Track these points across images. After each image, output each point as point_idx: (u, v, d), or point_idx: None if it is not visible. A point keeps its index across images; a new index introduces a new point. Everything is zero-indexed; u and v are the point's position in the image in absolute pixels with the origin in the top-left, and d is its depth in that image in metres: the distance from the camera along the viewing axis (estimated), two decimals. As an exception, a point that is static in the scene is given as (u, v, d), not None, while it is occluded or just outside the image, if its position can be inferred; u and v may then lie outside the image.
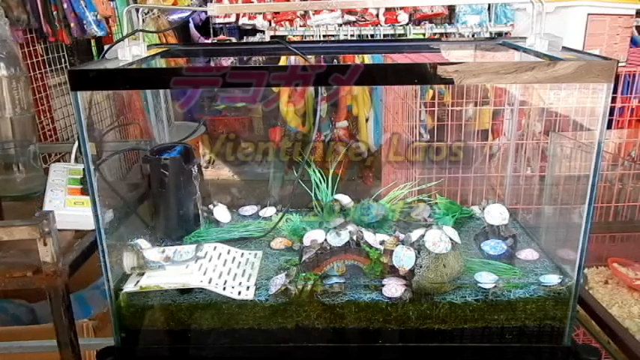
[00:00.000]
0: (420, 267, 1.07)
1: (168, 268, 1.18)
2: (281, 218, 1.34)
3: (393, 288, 1.09)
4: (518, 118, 1.86)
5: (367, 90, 3.45)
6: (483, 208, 1.47)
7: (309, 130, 3.04)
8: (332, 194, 1.33)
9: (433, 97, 2.08)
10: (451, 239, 1.09)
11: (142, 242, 1.20)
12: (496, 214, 1.30)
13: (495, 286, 1.09)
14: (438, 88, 1.83)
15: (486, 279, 1.13)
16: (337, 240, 1.12)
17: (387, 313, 1.09)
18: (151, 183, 1.52)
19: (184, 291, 1.13)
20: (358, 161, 2.78)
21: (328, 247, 1.12)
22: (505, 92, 1.71)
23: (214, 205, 1.65)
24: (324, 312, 1.09)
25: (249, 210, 1.74)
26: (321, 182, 1.34)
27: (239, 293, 1.12)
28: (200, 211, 1.43)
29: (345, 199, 1.36)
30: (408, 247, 1.08)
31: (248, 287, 1.14)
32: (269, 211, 1.68)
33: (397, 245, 1.09)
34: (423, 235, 1.11)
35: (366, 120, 3.44)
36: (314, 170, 1.33)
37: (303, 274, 1.11)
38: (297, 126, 3.14)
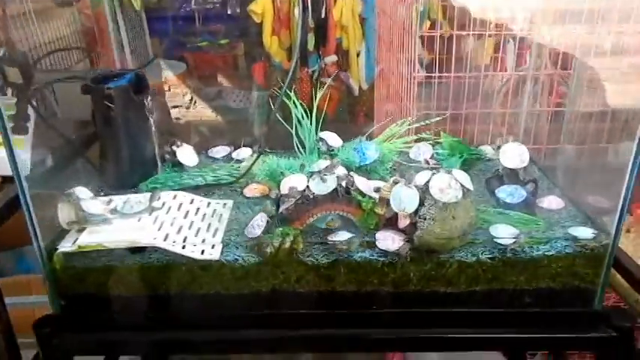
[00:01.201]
0: (424, 219, 0.95)
1: (115, 223, 1.05)
2: (256, 159, 1.19)
3: (389, 239, 0.97)
4: (521, 51, 1.74)
5: (358, 21, 3.14)
6: (498, 148, 1.24)
7: (296, 64, 2.74)
8: (316, 132, 1.20)
9: (431, 27, 1.87)
10: (462, 185, 0.95)
11: (82, 191, 1.04)
12: (514, 155, 1.14)
13: (515, 242, 0.97)
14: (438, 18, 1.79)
15: (504, 233, 1.01)
16: (322, 187, 0.99)
17: (383, 273, 1.00)
18: (94, 119, 1.26)
19: (135, 250, 1.01)
20: (347, 99, 2.53)
21: (311, 196, 0.99)
22: (507, 24, 1.66)
23: (178, 146, 1.43)
24: (307, 274, 1.00)
25: (220, 151, 1.54)
26: (303, 117, 1.20)
27: (202, 252, 1.00)
28: (158, 153, 1.36)
29: (332, 138, 1.22)
30: (409, 186, 0.95)
31: (213, 245, 1.01)
32: (243, 152, 1.50)
33: (396, 184, 0.95)
34: (428, 180, 0.97)
35: (357, 54, 3.16)
36: (294, 103, 1.17)
37: (281, 229, 0.99)
38: (282, 60, 2.84)
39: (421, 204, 0.94)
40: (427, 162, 1.42)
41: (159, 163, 1.38)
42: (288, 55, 3.18)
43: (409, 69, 1.79)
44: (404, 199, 0.95)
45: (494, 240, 0.99)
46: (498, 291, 0.99)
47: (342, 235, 0.98)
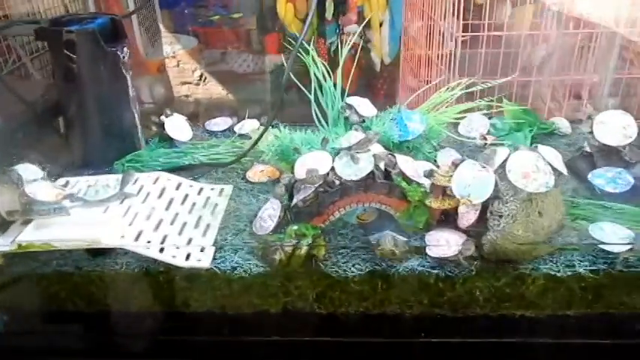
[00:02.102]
0: (499, 216, 0.80)
1: (73, 213, 0.86)
2: (263, 133, 1.01)
3: (445, 243, 0.83)
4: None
5: (382, -14, 2.90)
6: (588, 118, 0.98)
7: (312, 34, 2.51)
8: (342, 98, 1.04)
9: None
10: (553, 168, 0.80)
11: (27, 169, 0.88)
12: (615, 128, 0.97)
13: (632, 248, 0.80)
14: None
15: (613, 235, 0.84)
16: (353, 169, 0.84)
17: (437, 291, 0.84)
18: (54, 74, 1.01)
19: (96, 253, 0.84)
20: (367, 74, 2.30)
21: (337, 182, 0.85)
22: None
23: (167, 115, 1.20)
24: (331, 290, 0.84)
25: (220, 124, 1.30)
26: (325, 79, 1.04)
27: (187, 257, 0.84)
28: (141, 123, 1.14)
29: (363, 105, 1.04)
30: (480, 165, 0.81)
31: (203, 248, 0.86)
32: (249, 125, 1.26)
33: (460, 164, 0.82)
34: (504, 161, 0.81)
35: (380, 24, 2.92)
36: (313, 60, 1.03)
37: (295, 228, 0.84)
38: (298, 31, 2.57)
39: (494, 195, 0.80)
40: (484, 138, 1.15)
41: (141, 136, 1.15)
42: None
43: (449, 30, 1.53)
44: (472, 183, 0.80)
45: (597, 245, 0.83)
46: (601, 316, 0.84)
47: (382, 237, 0.83)
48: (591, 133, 0.98)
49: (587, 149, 1.03)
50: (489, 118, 1.21)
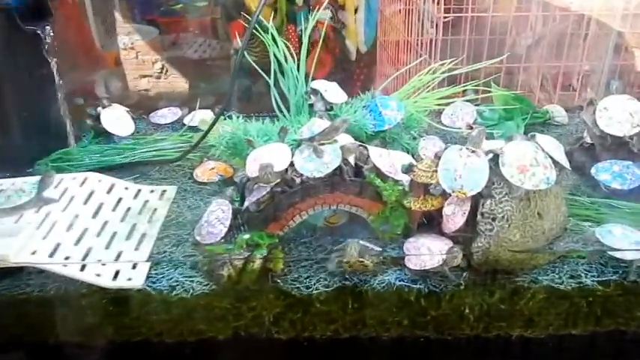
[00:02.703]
0: (491, 218, 0.74)
1: None
2: (213, 124, 0.96)
3: (427, 251, 0.77)
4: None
5: (357, -29, 2.89)
6: (590, 104, 0.90)
7: (282, 22, 2.48)
8: (307, 82, 0.99)
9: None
10: (553, 162, 0.75)
11: None
12: (621, 115, 0.88)
13: None
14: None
15: (624, 239, 0.76)
16: (316, 164, 0.78)
17: (419, 309, 0.77)
18: None
19: (4, 273, 0.75)
20: (341, 64, 2.25)
21: (297, 180, 0.79)
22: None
23: (104, 106, 1.11)
24: (291, 311, 0.77)
25: (167, 115, 1.21)
26: (286, 58, 0.98)
27: (115, 276, 0.76)
28: (70, 115, 1.03)
29: (331, 90, 0.99)
30: (469, 150, 0.75)
31: (135, 264, 0.77)
32: (199, 115, 1.17)
33: (445, 150, 0.77)
34: (496, 154, 0.74)
35: (355, 10, 2.90)
36: (273, 39, 0.98)
37: (246, 237, 0.77)
38: (266, 19, 2.53)
39: (486, 194, 0.74)
40: (470, 128, 1.04)
41: (70, 131, 1.04)
42: (272, 11, 2.94)
43: (429, 14, 1.48)
44: (464, 172, 0.74)
45: (606, 251, 0.77)
46: (611, 335, 0.78)
47: (350, 247, 0.77)
48: (594, 121, 0.88)
49: (588, 140, 0.95)
50: (476, 106, 1.16)
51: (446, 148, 0.76)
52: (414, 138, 1.04)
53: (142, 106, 1.31)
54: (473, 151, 0.74)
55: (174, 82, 2.62)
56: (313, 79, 1.00)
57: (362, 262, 0.73)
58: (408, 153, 0.96)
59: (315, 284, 0.75)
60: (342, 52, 2.40)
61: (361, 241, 0.75)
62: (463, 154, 0.74)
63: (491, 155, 0.73)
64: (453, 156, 0.74)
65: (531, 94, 1.45)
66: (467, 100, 1.15)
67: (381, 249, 0.77)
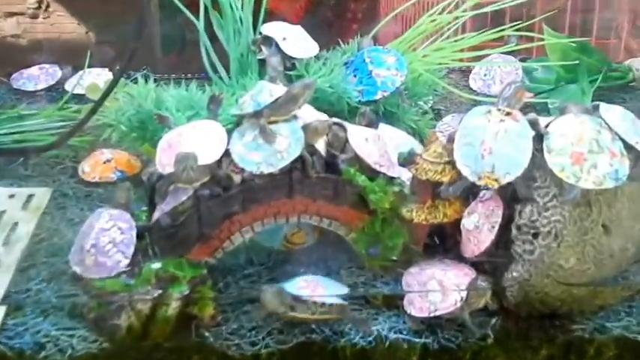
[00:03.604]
0: (532, 234, 0.81)
1: None
2: (110, 90, 1.03)
3: (435, 285, 0.84)
4: None
5: None
6: None
7: None
8: (255, 26, 1.08)
9: None
10: (627, 147, 0.82)
11: None
12: None
13: None
14: None
15: None
16: (265, 154, 0.86)
17: None
18: None
19: None
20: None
21: (237, 178, 0.86)
22: None
23: None
24: None
25: (38, 77, 1.29)
26: None
27: None
28: None
29: (292, 38, 1.06)
30: (501, 111, 0.83)
31: None
32: (90, 78, 1.25)
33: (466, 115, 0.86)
34: (540, 133, 0.82)
35: None
36: None
37: (156, 267, 0.83)
38: None
39: (524, 196, 0.81)
40: (513, 91, 1.15)
41: None
42: None
43: None
44: (495, 146, 0.80)
45: None
46: None
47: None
48: None
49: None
50: (522, 61, 1.23)
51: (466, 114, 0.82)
52: (425, 113, 1.10)
53: (4, 63, 1.36)
54: (508, 114, 0.79)
55: (59, 25, 2.67)
56: (275, 20, 1.07)
57: (293, 316, 0.79)
58: (413, 136, 1.03)
59: (264, 339, 0.80)
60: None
61: (280, 286, 0.80)
62: (493, 119, 0.80)
63: (532, 134, 0.79)
64: (477, 122, 0.80)
65: (609, 44, 1.54)
66: (507, 53, 1.22)
67: (344, 291, 0.82)
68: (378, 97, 1.03)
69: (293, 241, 0.90)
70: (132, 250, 0.86)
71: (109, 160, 1.03)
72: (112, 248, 0.85)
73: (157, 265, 0.82)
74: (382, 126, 1.02)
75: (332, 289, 0.84)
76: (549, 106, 1.09)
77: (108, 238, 0.85)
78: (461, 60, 1.12)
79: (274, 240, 0.89)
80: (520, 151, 0.78)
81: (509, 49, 1.22)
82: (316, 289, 0.83)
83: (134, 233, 0.86)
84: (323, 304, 0.81)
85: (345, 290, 0.85)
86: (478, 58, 1.20)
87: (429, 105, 1.12)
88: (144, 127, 0.98)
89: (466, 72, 1.22)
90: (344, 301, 0.84)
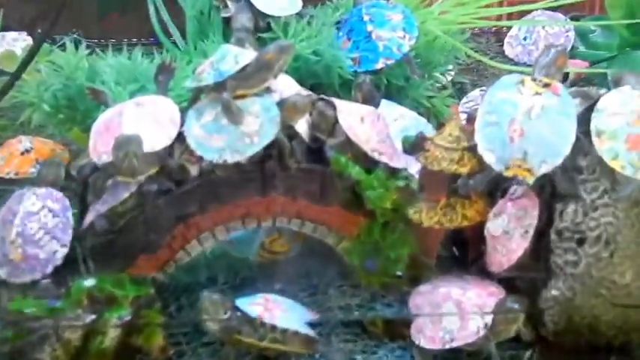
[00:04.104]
0: (577, 241, 0.81)
1: None
2: (29, 59, 1.05)
3: (451, 307, 0.86)
4: None
5: None
6: None
7: None
8: None
9: None
10: None
11: None
12: None
13: None
14: None
15: None
16: (230, 137, 0.87)
17: None
18: None
19: None
20: None
21: (193, 169, 0.87)
22: None
23: None
24: None
25: None
26: None
27: None
28: None
29: None
30: (541, 83, 0.85)
31: None
32: (5, 44, 1.28)
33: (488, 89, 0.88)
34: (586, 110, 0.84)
35: None
36: None
37: (89, 284, 0.84)
38: None
39: (567, 189, 0.82)
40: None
41: None
42: None
43: None
44: (528, 127, 0.82)
45: None
46: None
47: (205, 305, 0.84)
48: None
49: None
50: (573, 20, 1.26)
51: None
52: (442, 87, 1.12)
53: None
54: (546, 85, 0.80)
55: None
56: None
57: (237, 339, 0.80)
58: (426, 117, 1.04)
59: None
60: None
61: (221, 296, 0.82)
62: (527, 91, 0.80)
63: (576, 112, 0.80)
64: (505, 95, 0.81)
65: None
66: (554, 9, 1.23)
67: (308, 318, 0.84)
68: (379, 66, 1.04)
69: (272, 250, 0.91)
70: (69, 235, 0.86)
71: (27, 151, 1.04)
72: (43, 236, 0.86)
73: (89, 283, 0.82)
74: (384, 103, 1.03)
75: (295, 313, 0.85)
76: (609, 78, 1.09)
77: (37, 223, 0.87)
78: (490, 18, 1.14)
79: (247, 249, 0.91)
80: (560, 134, 0.79)
81: (558, 3, 1.21)
82: (272, 310, 0.83)
83: (70, 215, 0.87)
84: (274, 328, 0.82)
85: (309, 318, 0.85)
86: (514, 16, 1.21)
87: (449, 78, 1.14)
88: (73, 107, 0.99)
89: (499, 34, 1.24)
90: (310, 333, 0.84)
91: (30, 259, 0.85)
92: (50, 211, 0.86)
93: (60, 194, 0.88)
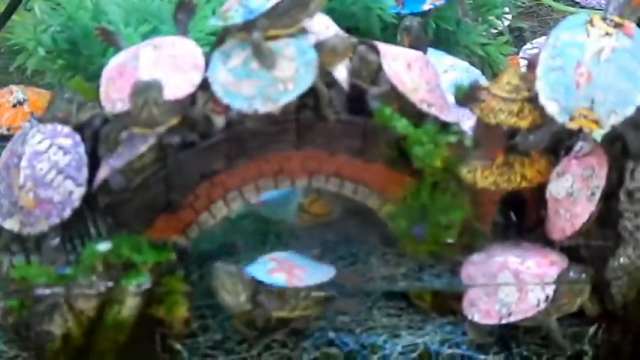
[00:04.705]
0: None
1: None
2: None
3: (507, 276, 0.93)
4: None
5: None
6: None
7: None
8: None
9: None
10: None
11: None
12: None
13: None
14: None
15: None
16: (261, 84, 0.92)
17: None
18: None
19: None
20: None
21: (220, 120, 0.93)
22: None
23: None
24: None
25: None
26: None
27: None
28: None
29: None
30: (612, 23, 0.92)
31: None
32: None
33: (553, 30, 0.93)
34: None
35: None
36: None
37: (104, 246, 0.91)
38: None
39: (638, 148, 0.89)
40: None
41: None
42: None
43: None
44: (597, 72, 0.87)
45: None
46: None
47: (217, 278, 0.90)
48: None
49: None
50: None
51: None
52: (499, 34, 1.19)
53: None
54: (617, 25, 0.87)
55: None
56: None
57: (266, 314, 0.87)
58: (479, 68, 1.11)
59: (260, 357, 0.89)
60: None
61: (236, 267, 0.87)
62: (595, 32, 0.87)
63: None
64: (571, 37, 0.87)
65: None
66: None
67: (329, 273, 0.90)
68: (426, 7, 1.09)
69: (311, 211, 0.98)
70: (85, 173, 0.91)
71: (20, 103, 1.08)
72: (56, 176, 0.92)
73: (104, 247, 0.87)
74: (432, 52, 1.06)
75: (313, 270, 0.91)
76: None
77: (47, 163, 0.92)
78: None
79: (285, 210, 0.97)
80: (632, 80, 0.85)
81: None
82: (292, 272, 0.88)
83: (82, 150, 0.91)
84: (307, 295, 0.88)
85: (330, 272, 0.90)
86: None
87: (506, 22, 1.19)
88: (75, 51, 1.04)
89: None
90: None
91: (44, 204, 0.90)
92: (60, 148, 0.92)
93: (68, 129, 0.93)
